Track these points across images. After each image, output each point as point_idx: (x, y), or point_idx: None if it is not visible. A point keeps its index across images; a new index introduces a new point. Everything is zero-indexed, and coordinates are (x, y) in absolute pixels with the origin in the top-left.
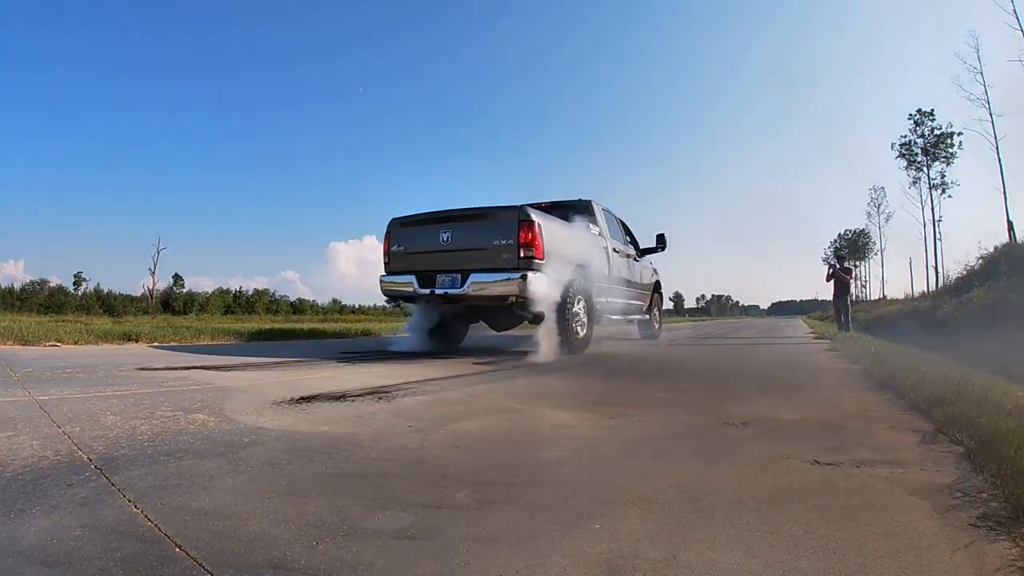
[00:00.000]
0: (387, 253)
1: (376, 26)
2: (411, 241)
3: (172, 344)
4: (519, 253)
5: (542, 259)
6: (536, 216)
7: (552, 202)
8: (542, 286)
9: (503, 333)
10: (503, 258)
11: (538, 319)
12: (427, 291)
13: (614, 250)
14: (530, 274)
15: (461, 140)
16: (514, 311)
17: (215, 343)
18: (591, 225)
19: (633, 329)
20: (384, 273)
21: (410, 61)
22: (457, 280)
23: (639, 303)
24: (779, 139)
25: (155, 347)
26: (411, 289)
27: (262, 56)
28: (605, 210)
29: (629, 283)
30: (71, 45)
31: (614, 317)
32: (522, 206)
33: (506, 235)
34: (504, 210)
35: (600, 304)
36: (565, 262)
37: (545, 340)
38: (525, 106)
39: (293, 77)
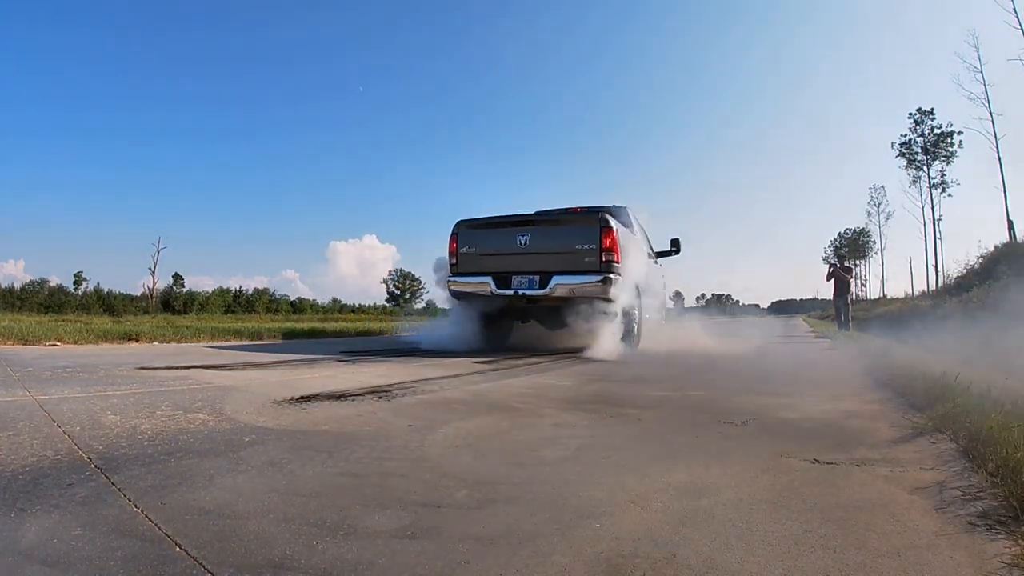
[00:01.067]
0: (455, 254)
1: (376, 26)
2: (484, 243)
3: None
4: (601, 257)
5: (619, 263)
6: (614, 223)
7: (587, 207)
8: (620, 288)
9: (519, 334)
10: (585, 261)
11: (610, 319)
12: (509, 292)
13: (647, 254)
14: (611, 277)
15: (461, 140)
16: (581, 311)
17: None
18: (632, 231)
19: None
20: (451, 274)
21: (410, 61)
22: (535, 282)
23: (656, 303)
24: (779, 138)
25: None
26: (488, 290)
27: (262, 56)
28: (634, 216)
29: (651, 285)
30: (71, 45)
31: (646, 316)
32: (601, 212)
33: (588, 240)
34: (586, 216)
35: (644, 305)
36: (630, 266)
37: (609, 338)
38: (525, 106)
39: (293, 77)
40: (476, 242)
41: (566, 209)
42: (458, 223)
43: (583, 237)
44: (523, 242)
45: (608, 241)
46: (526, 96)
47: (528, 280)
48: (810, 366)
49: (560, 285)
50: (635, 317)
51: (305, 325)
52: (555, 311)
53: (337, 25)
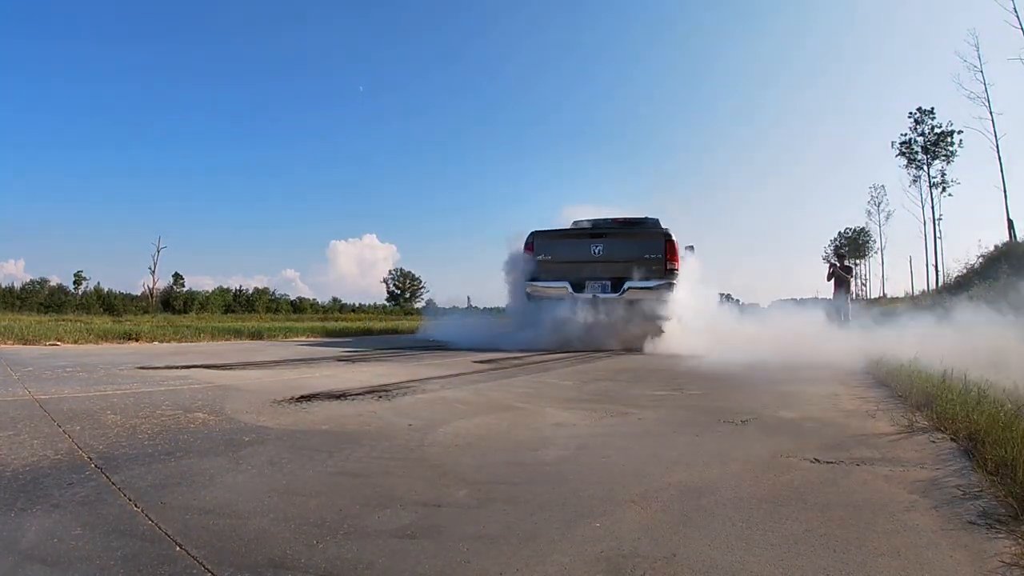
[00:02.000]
0: (532, 261)
1: (373, 39)
2: (559, 252)
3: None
4: (665, 265)
5: (679, 271)
6: (674, 235)
7: (624, 219)
8: (679, 292)
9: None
10: (652, 269)
11: (669, 318)
12: (587, 295)
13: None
14: (673, 282)
15: (462, 140)
16: (646, 312)
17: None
18: None
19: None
20: (528, 279)
21: (410, 69)
22: (608, 286)
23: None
24: (779, 137)
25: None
26: (566, 293)
27: (263, 58)
28: None
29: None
30: (72, 53)
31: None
32: (664, 227)
33: (654, 250)
34: (651, 228)
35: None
36: (684, 272)
37: (668, 335)
38: (524, 117)
39: (293, 78)
40: (552, 250)
41: (611, 220)
42: (533, 233)
43: (650, 247)
44: (596, 251)
45: (671, 251)
46: (528, 101)
47: (602, 285)
48: (809, 365)
49: (632, 289)
50: (684, 317)
51: (305, 324)
52: (621, 312)
53: (334, 37)
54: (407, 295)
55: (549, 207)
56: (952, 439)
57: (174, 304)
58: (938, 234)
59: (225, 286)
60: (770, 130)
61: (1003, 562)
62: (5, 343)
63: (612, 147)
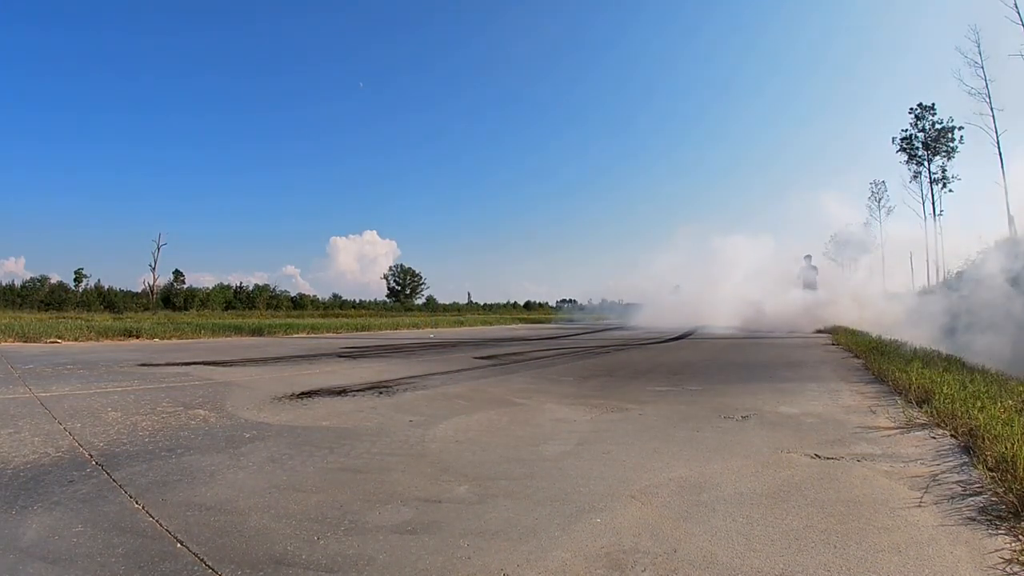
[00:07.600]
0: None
1: (373, 37)
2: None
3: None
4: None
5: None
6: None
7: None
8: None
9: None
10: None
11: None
12: None
13: None
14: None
15: (463, 138)
16: None
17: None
18: None
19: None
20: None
21: (412, 61)
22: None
23: None
24: (777, 135)
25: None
26: None
27: (262, 53)
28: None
29: None
30: (70, 44)
31: None
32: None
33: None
34: None
35: None
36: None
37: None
38: (531, 110)
39: (293, 75)
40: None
41: None
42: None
43: None
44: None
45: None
46: (531, 100)
47: None
48: (810, 361)
49: None
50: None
51: (307, 321)
52: None
53: (339, 23)
54: (407, 291)
55: (549, 206)
56: (952, 435)
57: (175, 301)
58: (938, 230)
59: (226, 283)
60: (767, 127)
61: (1003, 559)
62: (6, 341)
63: (613, 143)
